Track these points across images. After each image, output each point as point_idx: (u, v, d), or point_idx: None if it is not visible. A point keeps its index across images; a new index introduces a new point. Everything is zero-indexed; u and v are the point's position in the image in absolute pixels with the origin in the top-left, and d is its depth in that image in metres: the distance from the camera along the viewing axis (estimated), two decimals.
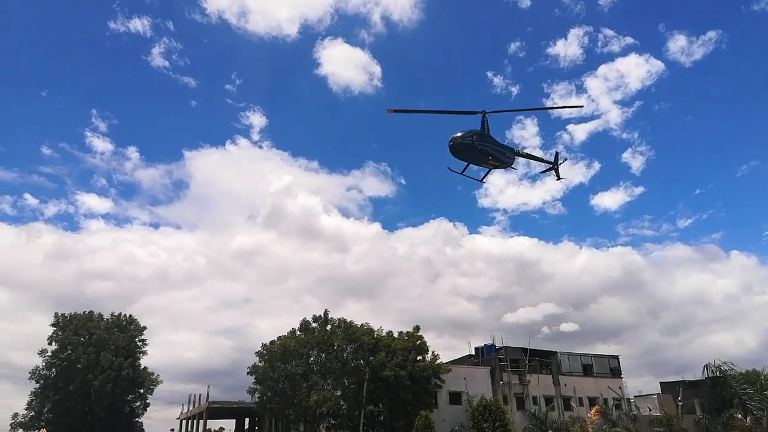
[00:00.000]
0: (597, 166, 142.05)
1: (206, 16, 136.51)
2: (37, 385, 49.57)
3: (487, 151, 30.20)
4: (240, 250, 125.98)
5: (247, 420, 60.46)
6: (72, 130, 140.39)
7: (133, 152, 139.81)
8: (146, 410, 54.31)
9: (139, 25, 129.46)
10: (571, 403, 51.50)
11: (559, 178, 36.72)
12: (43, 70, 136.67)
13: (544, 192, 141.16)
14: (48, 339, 50.15)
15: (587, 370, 57.53)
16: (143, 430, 56.21)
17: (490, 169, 32.08)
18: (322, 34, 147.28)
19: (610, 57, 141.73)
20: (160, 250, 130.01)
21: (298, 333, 45.37)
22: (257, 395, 44.53)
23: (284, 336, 45.53)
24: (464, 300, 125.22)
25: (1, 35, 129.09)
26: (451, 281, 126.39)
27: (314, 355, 44.07)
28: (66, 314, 52.09)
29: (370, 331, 44.65)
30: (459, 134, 29.57)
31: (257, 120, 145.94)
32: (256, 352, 44.91)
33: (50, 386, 49.23)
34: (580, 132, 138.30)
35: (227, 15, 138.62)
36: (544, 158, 36.29)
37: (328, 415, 42.43)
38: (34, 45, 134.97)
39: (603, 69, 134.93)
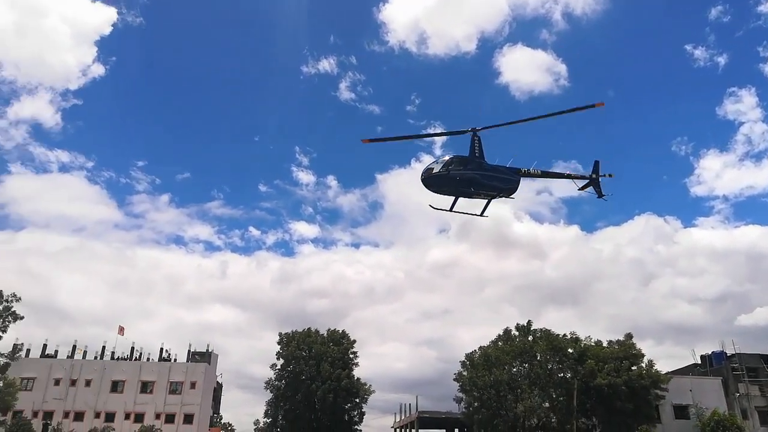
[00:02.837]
0: None
1: (386, 45, 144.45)
2: (271, 395, 56.20)
3: (473, 180, 24.72)
4: (435, 263, 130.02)
5: (456, 430, 61.40)
6: (281, 167, 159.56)
7: (332, 181, 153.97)
8: (362, 419, 58.19)
9: (326, 64, 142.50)
10: None
11: (600, 196, 30.22)
12: (253, 119, 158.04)
13: None
14: (276, 354, 56.80)
15: None
16: None
17: (489, 200, 26.17)
18: (501, 42, 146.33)
19: None
20: (364, 268, 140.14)
21: (499, 343, 45.29)
22: (463, 405, 45.28)
23: (486, 345, 45.75)
24: (685, 302, 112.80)
25: (219, 97, 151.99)
26: (668, 282, 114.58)
27: (516, 365, 43.54)
28: (289, 332, 58.55)
29: (576, 340, 42.75)
30: (433, 164, 24.68)
31: None
32: (460, 362, 46.13)
33: (281, 396, 55.49)
34: None
35: (408, 44, 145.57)
36: (574, 174, 29.90)
37: (538, 428, 41.39)
38: (244, 99, 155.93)
39: None
